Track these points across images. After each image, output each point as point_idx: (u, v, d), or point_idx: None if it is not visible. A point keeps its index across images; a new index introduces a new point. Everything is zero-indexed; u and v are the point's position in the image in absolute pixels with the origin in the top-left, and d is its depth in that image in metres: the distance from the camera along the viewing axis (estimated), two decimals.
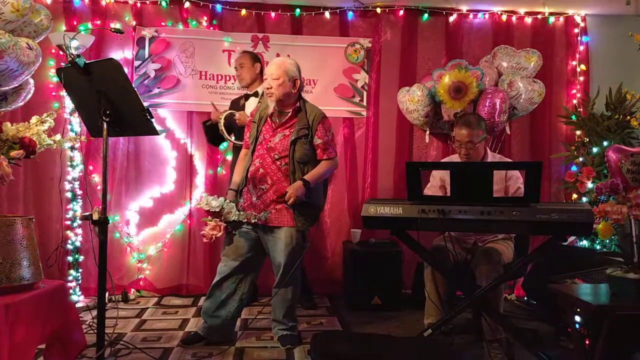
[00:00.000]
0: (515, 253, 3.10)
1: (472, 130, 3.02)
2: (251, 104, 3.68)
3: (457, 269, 3.00)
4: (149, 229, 4.20)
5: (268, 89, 2.93)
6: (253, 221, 2.94)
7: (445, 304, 3.00)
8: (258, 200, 2.93)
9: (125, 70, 2.59)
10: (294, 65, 2.99)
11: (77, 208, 3.82)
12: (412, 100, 3.97)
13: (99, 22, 4.08)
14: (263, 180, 2.93)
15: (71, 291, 3.69)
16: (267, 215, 2.92)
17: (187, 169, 4.22)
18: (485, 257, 2.91)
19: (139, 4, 4.18)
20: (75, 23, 4.04)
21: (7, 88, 2.58)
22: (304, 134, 2.93)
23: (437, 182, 3.24)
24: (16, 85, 2.62)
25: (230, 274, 2.99)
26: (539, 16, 4.43)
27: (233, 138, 3.72)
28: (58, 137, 2.69)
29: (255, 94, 3.74)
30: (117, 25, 3.88)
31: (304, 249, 2.99)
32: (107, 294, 3.49)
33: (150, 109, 2.37)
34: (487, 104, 3.75)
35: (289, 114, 2.98)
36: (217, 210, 2.78)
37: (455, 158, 3.36)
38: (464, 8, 4.37)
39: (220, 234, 2.81)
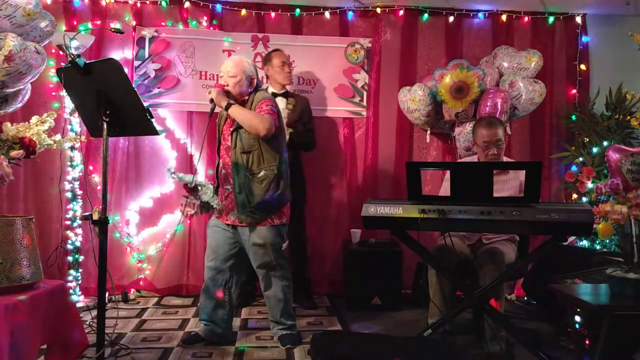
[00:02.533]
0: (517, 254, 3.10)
1: (496, 129, 3.07)
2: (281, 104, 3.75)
3: (460, 268, 3.00)
4: (149, 229, 4.20)
5: (224, 86, 2.87)
6: (236, 222, 2.92)
7: (449, 303, 2.99)
8: (226, 200, 2.93)
9: (125, 70, 2.59)
10: (252, 65, 2.95)
11: (77, 208, 3.82)
12: (413, 99, 3.97)
13: (99, 22, 4.07)
14: (226, 181, 2.92)
15: (71, 291, 3.68)
16: (235, 215, 2.91)
17: (187, 169, 4.21)
18: (490, 257, 2.91)
19: (139, 4, 4.17)
20: (75, 23, 4.04)
21: (12, 89, 2.59)
22: None
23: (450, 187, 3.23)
24: (21, 87, 2.64)
25: (215, 275, 3.00)
26: (539, 16, 4.43)
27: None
28: (58, 137, 2.69)
29: (285, 95, 3.81)
30: (117, 25, 3.87)
31: (282, 247, 2.97)
32: (107, 294, 3.49)
33: (150, 109, 2.37)
34: (488, 104, 3.75)
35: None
36: (191, 186, 2.75)
37: (472, 160, 3.36)
38: (464, 8, 4.37)
39: (193, 211, 2.75)
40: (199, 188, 2.78)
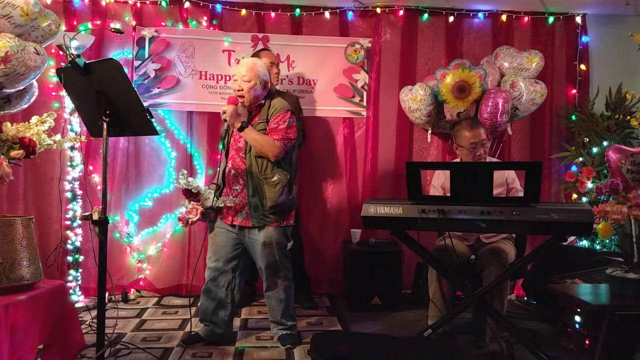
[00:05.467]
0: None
1: (479, 129, 3.10)
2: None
3: (460, 269, 2.99)
4: (149, 229, 4.20)
5: (238, 90, 2.87)
6: (244, 223, 2.93)
7: (449, 304, 2.99)
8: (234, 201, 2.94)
9: (125, 70, 2.59)
10: (265, 67, 2.95)
11: (77, 208, 3.82)
12: (414, 99, 3.97)
13: (99, 22, 4.07)
14: (235, 181, 2.93)
15: (71, 291, 3.68)
16: (244, 216, 2.92)
17: (187, 169, 4.19)
18: (494, 258, 2.91)
19: (139, 4, 4.17)
20: (75, 23, 4.04)
21: (11, 90, 2.58)
22: (262, 129, 2.88)
23: (438, 192, 3.23)
24: (21, 88, 2.62)
25: (218, 276, 3.00)
26: (539, 16, 4.43)
27: None
28: (58, 137, 2.68)
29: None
30: (117, 25, 3.88)
31: (287, 247, 3.00)
32: (107, 294, 3.49)
33: (150, 109, 2.37)
34: (489, 103, 3.75)
35: (253, 112, 2.96)
36: (195, 192, 2.75)
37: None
38: (464, 8, 4.37)
39: (196, 218, 2.76)
40: (201, 193, 2.78)
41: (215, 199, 2.82)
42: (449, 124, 4.11)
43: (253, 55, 3.87)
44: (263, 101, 2.95)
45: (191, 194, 2.77)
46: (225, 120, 2.85)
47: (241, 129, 2.82)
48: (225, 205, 2.91)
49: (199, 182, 2.90)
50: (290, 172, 2.95)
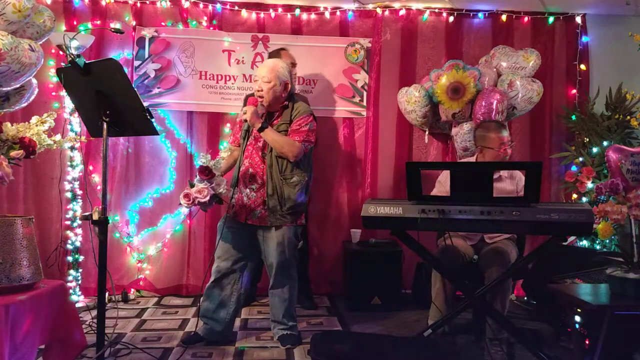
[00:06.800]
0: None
1: (504, 129, 3.11)
2: None
3: (464, 269, 2.99)
4: (149, 229, 4.20)
5: (258, 91, 2.90)
6: (259, 223, 2.93)
7: (451, 304, 2.99)
8: (249, 200, 2.94)
9: (125, 70, 2.59)
10: (286, 69, 2.96)
11: (77, 208, 3.81)
12: (409, 101, 3.98)
13: (99, 22, 4.07)
14: (253, 180, 2.94)
15: (71, 291, 3.68)
16: (258, 215, 2.92)
17: (187, 169, 4.21)
18: (496, 258, 2.90)
19: (139, 4, 4.17)
20: (75, 23, 4.04)
21: (8, 89, 2.57)
22: (284, 130, 2.92)
23: (444, 187, 3.22)
24: (17, 86, 2.61)
25: (224, 275, 3.01)
26: (539, 16, 4.43)
27: None
28: (58, 137, 2.68)
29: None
30: (117, 25, 3.89)
31: (297, 247, 3.01)
32: (107, 294, 3.49)
33: (150, 109, 2.37)
34: (483, 104, 3.74)
35: (277, 113, 2.99)
36: (214, 173, 2.74)
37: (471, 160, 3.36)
38: (464, 8, 4.37)
39: (204, 199, 2.70)
40: (216, 176, 2.77)
41: (226, 188, 2.81)
42: (446, 124, 4.11)
43: (272, 55, 3.84)
44: (286, 103, 2.97)
45: (208, 173, 2.74)
46: (246, 121, 2.86)
47: (261, 130, 2.85)
48: (243, 201, 2.91)
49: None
50: (308, 174, 3.00)
